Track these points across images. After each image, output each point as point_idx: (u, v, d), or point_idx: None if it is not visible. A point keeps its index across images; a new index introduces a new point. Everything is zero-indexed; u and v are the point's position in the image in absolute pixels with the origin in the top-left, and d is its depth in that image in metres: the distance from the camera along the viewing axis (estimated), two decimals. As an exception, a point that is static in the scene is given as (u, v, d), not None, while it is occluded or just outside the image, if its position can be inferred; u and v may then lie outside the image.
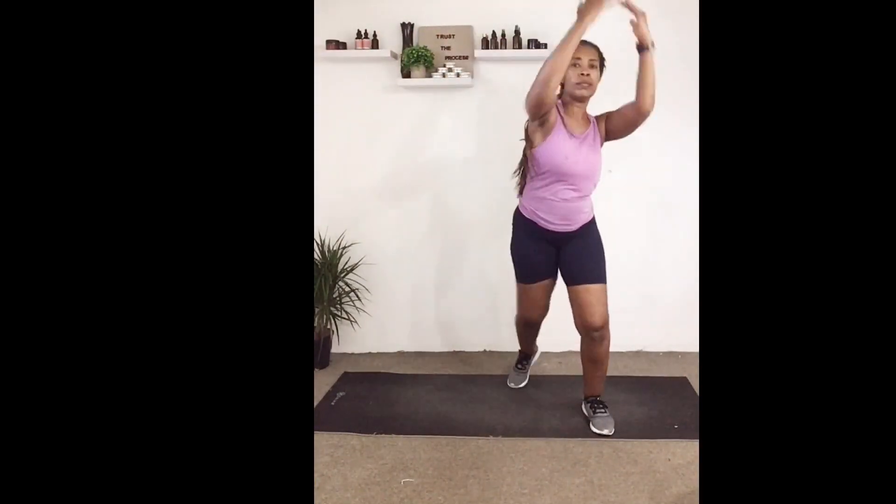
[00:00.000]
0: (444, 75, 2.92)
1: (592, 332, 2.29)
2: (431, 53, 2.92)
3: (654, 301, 3.16)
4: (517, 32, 2.93)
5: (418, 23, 2.98)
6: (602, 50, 2.22)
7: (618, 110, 2.23)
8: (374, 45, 2.96)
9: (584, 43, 2.16)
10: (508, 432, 2.33)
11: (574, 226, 2.28)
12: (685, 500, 1.89)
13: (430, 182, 3.12)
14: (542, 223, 2.29)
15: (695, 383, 2.76)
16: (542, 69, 2.04)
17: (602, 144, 2.28)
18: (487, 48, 2.94)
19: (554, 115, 2.19)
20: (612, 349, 3.16)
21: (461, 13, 2.98)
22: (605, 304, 2.29)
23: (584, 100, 2.20)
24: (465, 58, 2.96)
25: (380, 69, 3.04)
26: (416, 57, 2.89)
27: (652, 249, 3.14)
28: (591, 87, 2.17)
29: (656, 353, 3.19)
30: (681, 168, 3.03)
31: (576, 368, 2.96)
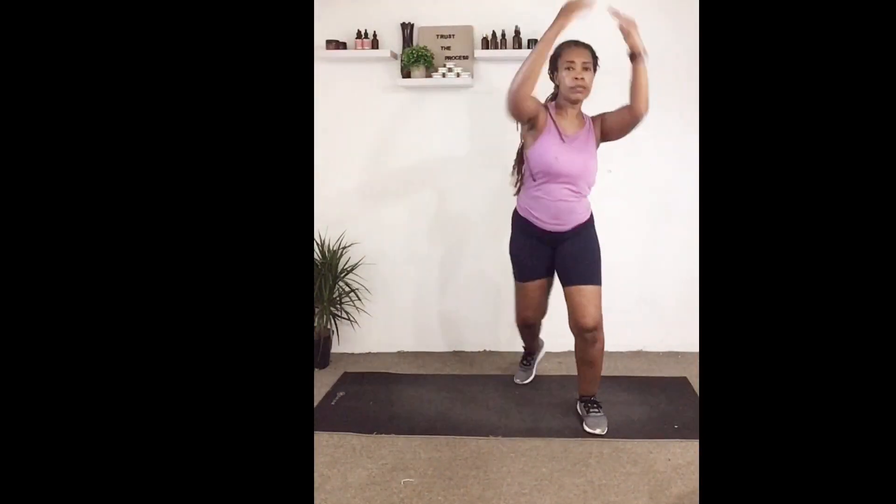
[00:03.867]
0: (444, 75, 2.92)
1: (584, 333, 2.30)
2: (431, 53, 2.92)
3: (654, 301, 3.16)
4: (517, 32, 2.93)
5: (418, 23, 2.98)
6: (600, 49, 2.23)
7: (613, 112, 2.25)
8: (374, 45, 2.96)
9: (577, 44, 2.19)
10: (508, 432, 2.33)
11: (567, 226, 2.29)
12: (685, 500, 1.89)
13: (430, 182, 3.12)
14: (536, 222, 2.31)
15: (695, 383, 2.76)
16: (518, 72, 2.08)
17: (598, 145, 2.29)
18: (487, 48, 2.93)
19: (543, 118, 2.21)
20: (612, 349, 3.19)
21: (461, 13, 2.98)
22: (598, 306, 2.29)
23: (578, 102, 2.22)
24: (465, 58, 2.96)
25: (380, 69, 3.04)
26: (416, 57, 2.89)
27: (652, 249, 3.14)
28: (586, 90, 2.18)
29: (656, 353, 3.18)
30: (681, 168, 3.03)
31: (576, 369, 2.96)
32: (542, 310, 2.50)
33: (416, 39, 2.99)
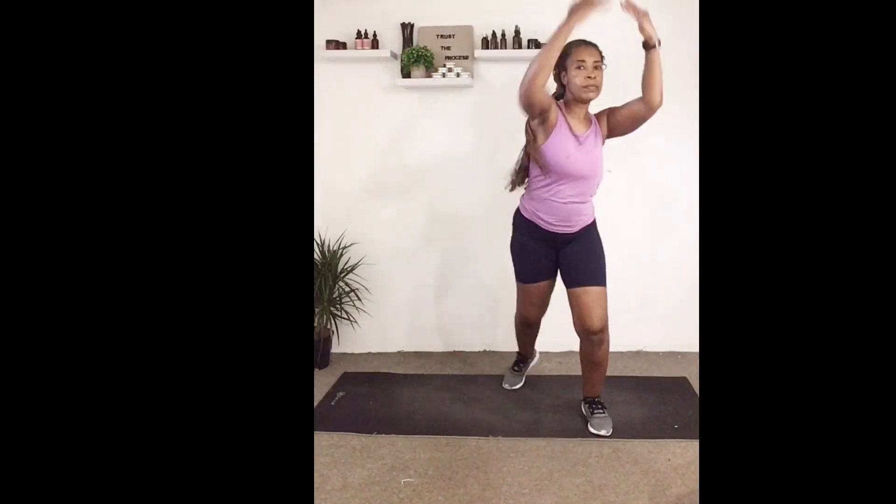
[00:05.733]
0: (444, 75, 2.92)
1: (591, 336, 2.28)
2: (431, 53, 2.92)
3: (654, 301, 3.16)
4: (517, 32, 2.93)
5: (418, 23, 2.98)
6: (606, 47, 2.22)
7: (623, 106, 2.23)
8: (374, 45, 2.96)
9: (586, 43, 2.16)
10: (508, 432, 2.33)
11: (574, 227, 2.28)
12: (685, 500, 1.89)
13: (431, 182, 3.12)
14: (542, 224, 2.28)
15: (695, 383, 2.76)
16: (530, 66, 2.04)
17: (603, 143, 2.28)
18: (487, 48, 2.93)
19: (555, 114, 2.17)
20: (612, 349, 3.16)
21: (461, 13, 2.98)
22: (605, 308, 2.27)
23: (588, 102, 2.19)
24: (465, 58, 2.96)
25: (380, 69, 3.04)
26: (416, 57, 2.89)
27: (652, 249, 3.14)
28: (598, 89, 2.15)
29: (656, 353, 3.18)
30: (681, 168, 3.03)
31: (576, 369, 2.95)
32: (544, 309, 2.50)
33: (416, 39, 2.99)
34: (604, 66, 2.20)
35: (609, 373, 2.90)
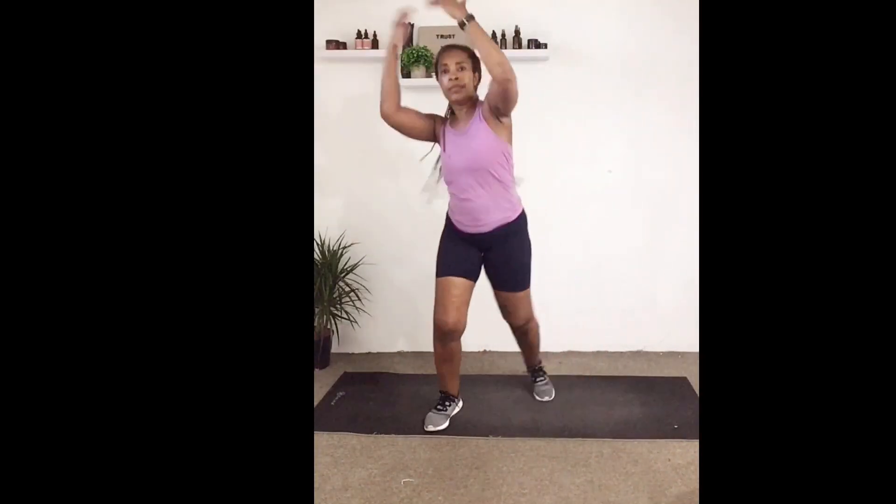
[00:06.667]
0: (444, 75, 2.92)
1: (516, 328, 2.48)
2: (431, 53, 2.92)
3: (654, 301, 3.16)
4: (517, 32, 2.93)
5: (418, 23, 2.98)
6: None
7: (491, 83, 2.08)
8: (374, 45, 2.96)
9: (451, 48, 2.20)
10: (508, 432, 2.33)
11: (487, 226, 2.24)
12: (685, 500, 1.89)
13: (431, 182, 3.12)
14: (458, 225, 2.30)
15: (695, 383, 2.76)
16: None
17: (499, 124, 2.17)
18: (487, 48, 2.93)
19: (440, 128, 2.26)
20: (612, 349, 3.21)
21: (461, 13, 2.98)
22: (528, 306, 2.40)
23: (460, 102, 2.18)
24: (465, 58, 2.96)
25: (380, 69, 3.03)
26: (416, 57, 2.89)
27: (652, 249, 3.14)
28: (464, 88, 2.15)
29: (656, 353, 3.18)
30: (681, 167, 3.03)
31: (576, 369, 2.97)
32: (460, 315, 2.33)
33: (416, 39, 2.99)
34: (477, 68, 2.18)
35: (609, 373, 2.93)
